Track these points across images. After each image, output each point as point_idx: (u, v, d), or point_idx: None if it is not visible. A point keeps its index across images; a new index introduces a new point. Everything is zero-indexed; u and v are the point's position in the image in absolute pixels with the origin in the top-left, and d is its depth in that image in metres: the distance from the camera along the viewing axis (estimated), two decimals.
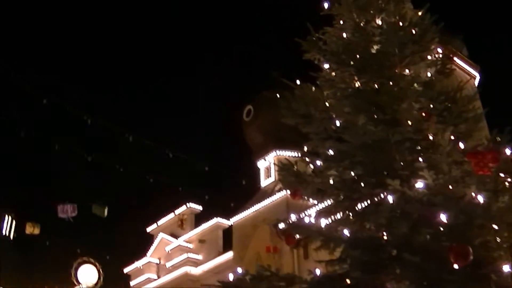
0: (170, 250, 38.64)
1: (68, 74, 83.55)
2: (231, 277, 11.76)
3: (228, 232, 35.91)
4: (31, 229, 31.65)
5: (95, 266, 15.70)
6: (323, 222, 12.18)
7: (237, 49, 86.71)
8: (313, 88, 13.66)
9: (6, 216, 74.26)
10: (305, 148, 13.55)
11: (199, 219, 38.90)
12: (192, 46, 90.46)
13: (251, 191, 35.73)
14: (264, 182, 36.07)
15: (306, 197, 13.16)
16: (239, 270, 11.84)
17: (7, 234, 76.48)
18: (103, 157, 30.02)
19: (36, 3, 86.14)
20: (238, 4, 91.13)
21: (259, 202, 33.39)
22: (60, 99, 26.07)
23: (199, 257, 37.07)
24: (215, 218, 36.65)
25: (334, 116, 13.10)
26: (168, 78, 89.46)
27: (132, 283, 41.73)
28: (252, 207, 33.54)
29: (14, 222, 76.65)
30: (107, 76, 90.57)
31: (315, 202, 14.55)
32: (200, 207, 38.99)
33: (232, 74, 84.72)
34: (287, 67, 36.51)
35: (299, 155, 13.78)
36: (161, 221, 40.96)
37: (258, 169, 36.84)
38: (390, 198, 11.21)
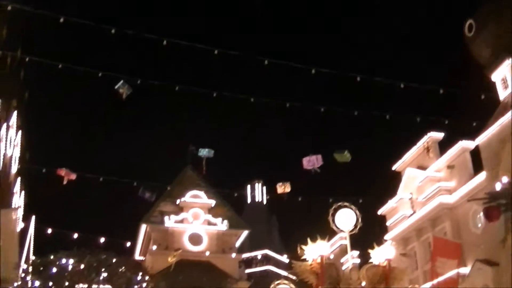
0: (420, 182, 38.00)
1: None
2: (498, 186, 11.02)
3: (475, 153, 34.41)
4: (282, 189, 32.60)
5: (352, 209, 15.66)
6: None
7: None
8: None
9: (256, 184, 78.24)
10: None
11: (443, 146, 37.70)
12: None
13: (491, 107, 33.82)
14: (503, 93, 33.96)
15: None
16: (505, 179, 11.06)
17: (260, 199, 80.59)
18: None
19: None
20: None
21: (502, 116, 31.56)
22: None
23: (451, 184, 35.97)
24: (459, 141, 35.24)
25: None
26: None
27: (388, 223, 41.81)
28: (496, 122, 31.81)
29: (264, 187, 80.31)
30: None
31: None
32: (441, 134, 37.68)
33: None
34: None
35: None
36: (405, 156, 40.42)
37: (493, 82, 34.77)
38: None
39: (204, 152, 35.03)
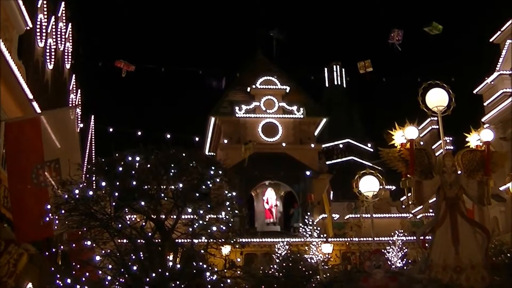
0: None
1: None
2: None
3: None
4: (363, 69, 31.94)
5: (444, 87, 14.99)
6: None
7: None
8: None
9: (334, 66, 77.52)
10: None
11: None
12: None
13: None
14: None
15: None
16: None
17: (339, 83, 79.94)
18: None
19: None
20: None
21: None
22: None
23: None
24: None
25: None
26: None
27: (485, 103, 40.73)
28: None
29: (343, 69, 79.55)
30: None
31: None
32: None
33: None
34: None
35: None
36: (505, 26, 38.92)
37: None
38: None
39: (274, 33, 34.35)
